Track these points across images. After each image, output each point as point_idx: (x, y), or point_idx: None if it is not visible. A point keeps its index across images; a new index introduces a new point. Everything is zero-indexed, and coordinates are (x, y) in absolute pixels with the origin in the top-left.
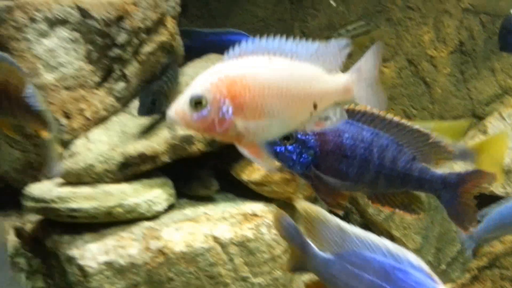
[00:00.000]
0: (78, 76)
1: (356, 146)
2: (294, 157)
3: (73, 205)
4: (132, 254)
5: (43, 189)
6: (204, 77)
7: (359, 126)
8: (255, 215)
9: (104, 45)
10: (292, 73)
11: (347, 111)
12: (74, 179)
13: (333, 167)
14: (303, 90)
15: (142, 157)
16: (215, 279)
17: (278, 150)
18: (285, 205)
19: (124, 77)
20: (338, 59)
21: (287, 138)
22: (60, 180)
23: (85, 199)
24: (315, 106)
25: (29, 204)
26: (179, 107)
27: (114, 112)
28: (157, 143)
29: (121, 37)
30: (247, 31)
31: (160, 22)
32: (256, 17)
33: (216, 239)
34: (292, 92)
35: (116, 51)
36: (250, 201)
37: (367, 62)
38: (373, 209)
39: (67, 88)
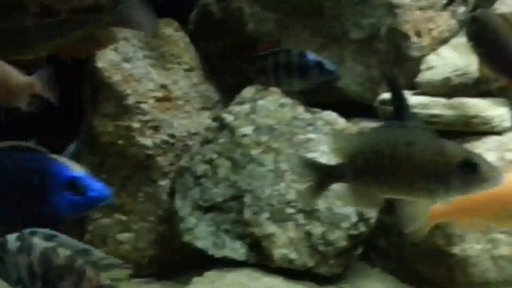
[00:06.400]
0: None
1: None
2: None
3: (435, 111)
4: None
5: None
6: None
7: None
8: None
9: None
10: None
11: None
12: (431, 89)
13: None
14: None
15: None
16: None
17: None
18: None
19: (465, 1)
20: None
21: None
22: (414, 90)
23: (445, 107)
24: None
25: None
26: None
27: (454, 34)
28: None
29: None
30: None
31: None
32: None
33: None
34: None
35: None
36: None
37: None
38: None
39: (420, 9)
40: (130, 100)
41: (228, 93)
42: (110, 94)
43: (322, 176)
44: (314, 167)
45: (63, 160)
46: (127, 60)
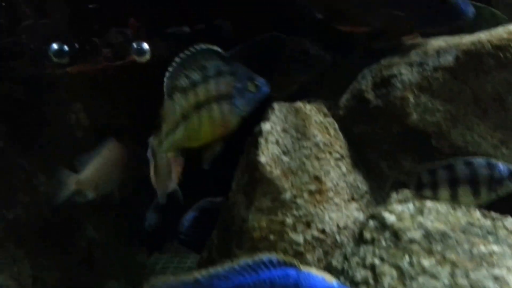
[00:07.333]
0: None
1: None
2: None
3: None
4: None
5: None
6: None
7: None
8: None
9: None
10: None
11: None
12: None
13: None
14: None
15: None
16: None
17: None
18: None
19: None
20: None
21: None
22: None
23: None
24: None
25: None
26: None
27: None
28: None
29: None
30: None
31: None
32: None
33: None
34: None
35: None
36: None
37: None
38: None
39: None
40: (287, 195)
41: (377, 181)
42: (269, 189)
43: None
44: None
45: (310, 269)
46: (285, 153)
